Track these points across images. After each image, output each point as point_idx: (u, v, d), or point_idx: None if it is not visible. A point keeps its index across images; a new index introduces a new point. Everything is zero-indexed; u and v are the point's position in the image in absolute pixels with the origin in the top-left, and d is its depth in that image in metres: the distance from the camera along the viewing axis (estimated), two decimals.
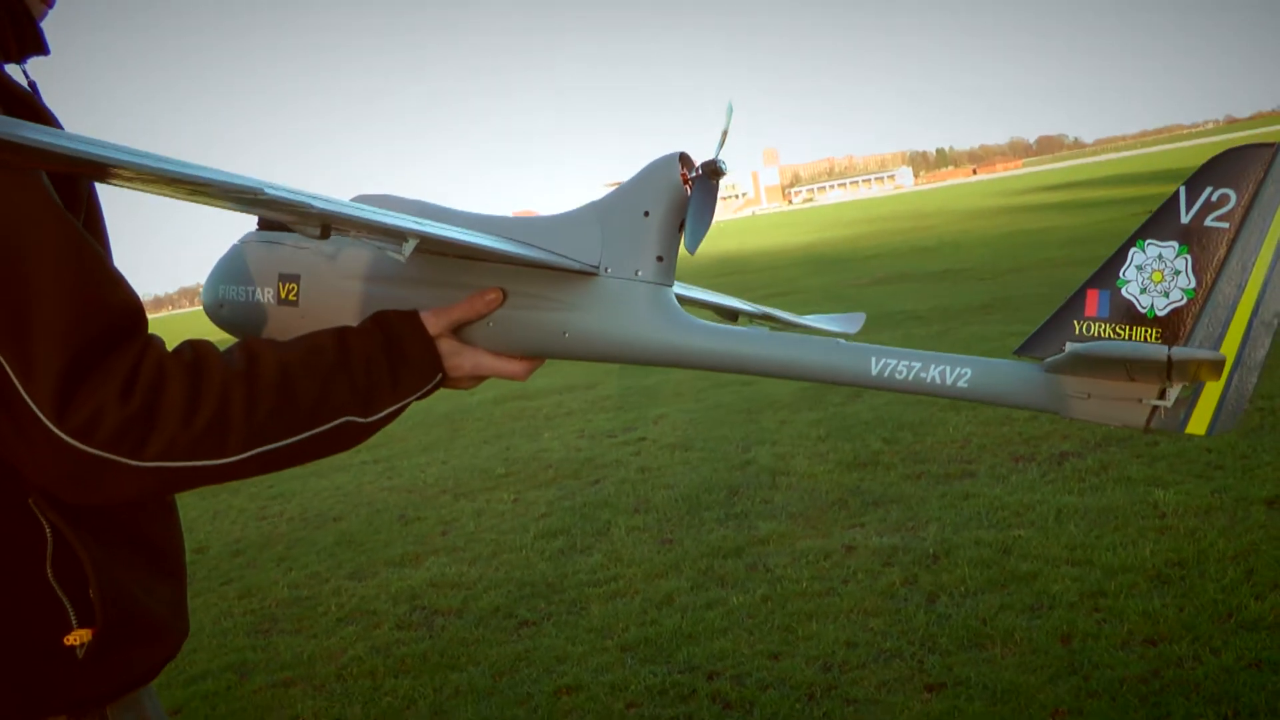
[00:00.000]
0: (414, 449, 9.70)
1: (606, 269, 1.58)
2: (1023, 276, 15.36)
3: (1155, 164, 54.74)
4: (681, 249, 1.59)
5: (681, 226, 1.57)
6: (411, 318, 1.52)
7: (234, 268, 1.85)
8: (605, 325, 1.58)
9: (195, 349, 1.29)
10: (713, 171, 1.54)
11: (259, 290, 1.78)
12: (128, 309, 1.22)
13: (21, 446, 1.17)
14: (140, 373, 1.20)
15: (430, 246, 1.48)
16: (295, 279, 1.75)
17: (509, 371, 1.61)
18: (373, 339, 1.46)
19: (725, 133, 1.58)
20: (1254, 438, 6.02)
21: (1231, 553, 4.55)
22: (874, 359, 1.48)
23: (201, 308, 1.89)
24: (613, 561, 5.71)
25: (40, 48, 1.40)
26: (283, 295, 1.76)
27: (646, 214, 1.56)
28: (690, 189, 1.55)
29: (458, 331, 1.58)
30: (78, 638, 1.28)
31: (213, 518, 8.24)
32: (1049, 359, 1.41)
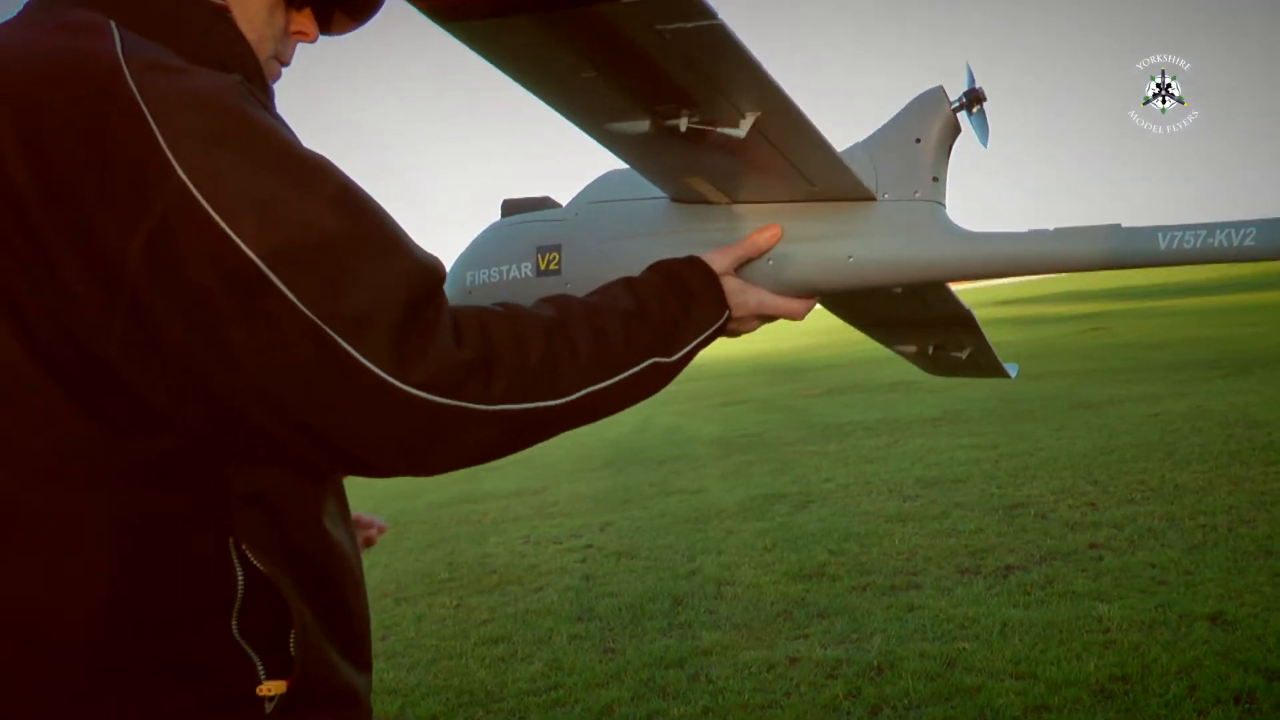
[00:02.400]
0: None
1: (884, 194, 1.61)
2: (972, 389, 15.46)
3: (1103, 281, 55.70)
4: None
5: (948, 153, 1.63)
6: (692, 259, 1.51)
7: (483, 251, 1.85)
8: (891, 246, 1.60)
9: (499, 303, 1.29)
10: (976, 97, 1.64)
11: (515, 267, 1.78)
12: (429, 256, 1.21)
13: (361, 416, 1.12)
14: (460, 319, 1.19)
15: (761, 139, 1.44)
16: (556, 248, 1.75)
17: (790, 310, 1.61)
18: (658, 281, 1.45)
19: (970, 75, 1.67)
20: (1197, 554, 6.04)
21: (1175, 668, 4.53)
22: (1160, 236, 1.50)
23: None
24: (553, 670, 5.61)
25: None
26: (543, 266, 1.76)
27: (918, 140, 1.61)
28: (956, 115, 1.63)
29: (738, 272, 1.58)
30: (270, 689, 1.21)
31: None
32: None
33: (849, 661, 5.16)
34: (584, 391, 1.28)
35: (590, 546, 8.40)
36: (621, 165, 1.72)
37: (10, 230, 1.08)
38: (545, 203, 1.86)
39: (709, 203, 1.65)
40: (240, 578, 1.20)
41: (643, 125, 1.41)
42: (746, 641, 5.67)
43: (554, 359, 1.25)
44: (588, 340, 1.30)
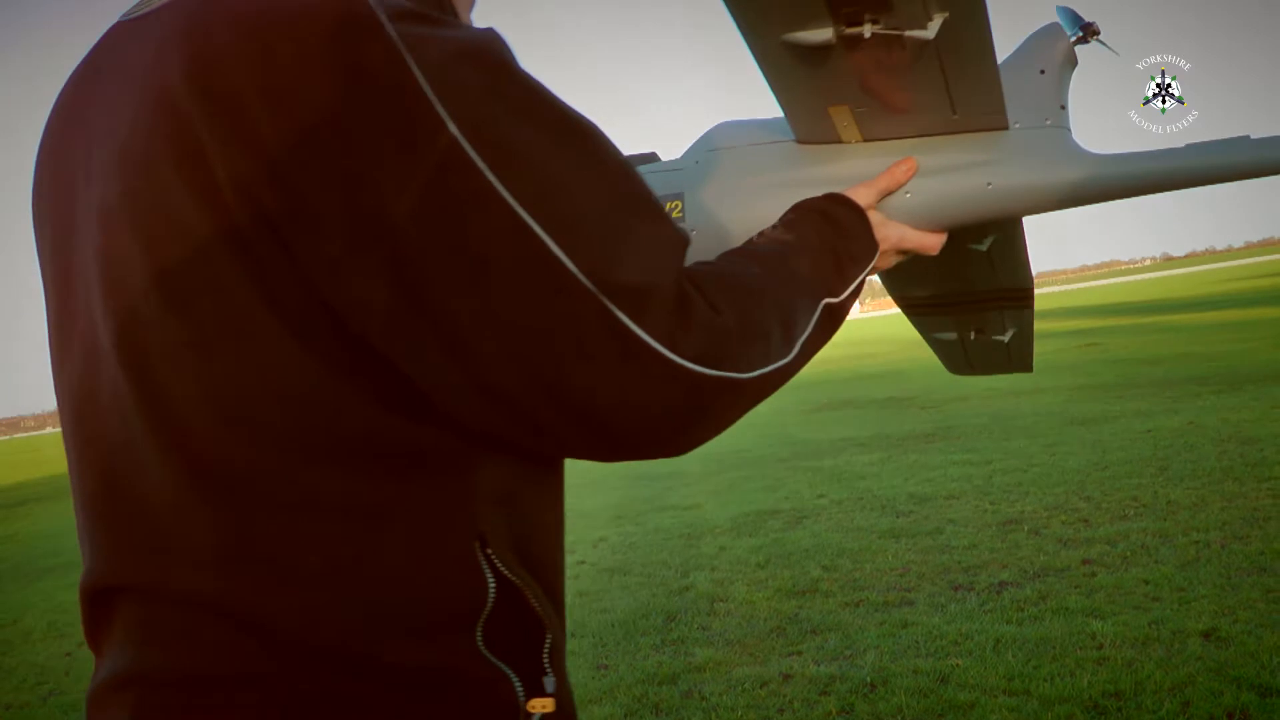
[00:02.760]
0: None
1: (1015, 124, 1.65)
2: (965, 405, 15.50)
3: (1096, 298, 55.89)
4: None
5: (1069, 83, 1.69)
6: (836, 195, 1.48)
7: None
8: (1032, 171, 1.64)
9: (705, 264, 1.25)
10: (1093, 30, 1.72)
11: None
12: (679, 223, 1.18)
13: (637, 393, 1.05)
14: (703, 284, 1.13)
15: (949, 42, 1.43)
16: (678, 197, 1.74)
17: (927, 244, 1.60)
18: (813, 221, 1.42)
19: (1075, 14, 1.76)
20: (1190, 570, 6.03)
21: (1168, 684, 4.53)
22: None
23: None
24: None
25: None
26: None
27: (1043, 71, 1.67)
28: (1074, 48, 1.70)
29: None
30: (541, 705, 1.11)
31: None
32: None
33: (842, 678, 5.15)
34: (799, 343, 1.25)
35: (583, 563, 8.39)
36: (732, 119, 1.75)
37: (260, 193, 0.97)
38: (651, 158, 1.84)
39: (838, 143, 1.65)
40: (491, 584, 1.10)
41: (825, 33, 1.38)
42: (739, 658, 5.66)
43: (780, 316, 1.22)
44: (788, 291, 1.27)
